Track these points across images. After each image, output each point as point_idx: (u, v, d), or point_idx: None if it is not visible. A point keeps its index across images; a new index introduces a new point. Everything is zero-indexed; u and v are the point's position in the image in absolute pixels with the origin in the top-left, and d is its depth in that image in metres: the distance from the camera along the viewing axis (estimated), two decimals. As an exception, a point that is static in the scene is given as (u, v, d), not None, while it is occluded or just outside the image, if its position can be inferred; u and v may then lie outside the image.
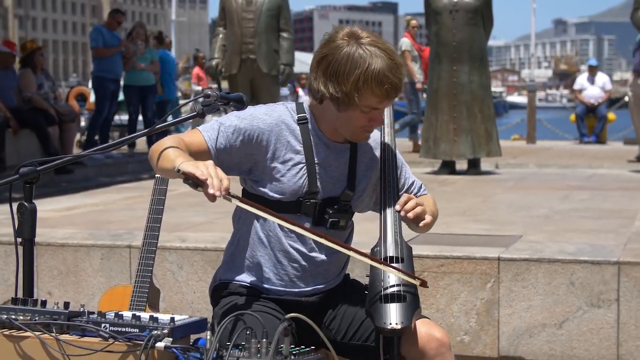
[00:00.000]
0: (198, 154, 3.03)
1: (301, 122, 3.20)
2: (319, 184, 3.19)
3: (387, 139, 3.32)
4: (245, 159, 3.14)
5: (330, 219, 3.21)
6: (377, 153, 3.34)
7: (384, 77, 3.01)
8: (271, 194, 3.16)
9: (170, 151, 2.95)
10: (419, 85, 15.13)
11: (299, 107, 3.24)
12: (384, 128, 3.34)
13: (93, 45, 13.24)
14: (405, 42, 15.48)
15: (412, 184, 3.40)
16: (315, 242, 3.20)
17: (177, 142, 3.02)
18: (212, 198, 2.76)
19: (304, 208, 3.18)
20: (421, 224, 3.20)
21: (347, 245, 3.14)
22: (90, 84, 15.33)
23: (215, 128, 3.11)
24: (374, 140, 3.32)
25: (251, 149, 3.13)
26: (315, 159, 3.19)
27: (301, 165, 3.17)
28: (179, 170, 2.80)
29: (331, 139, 3.21)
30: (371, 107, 3.07)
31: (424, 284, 3.11)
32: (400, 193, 3.27)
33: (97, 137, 13.47)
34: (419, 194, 3.40)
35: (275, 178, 3.16)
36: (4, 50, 11.21)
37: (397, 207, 3.20)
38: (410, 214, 3.16)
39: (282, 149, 3.16)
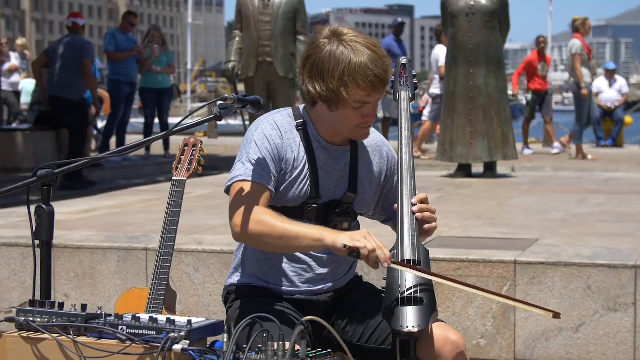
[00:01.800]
0: (265, 201, 3.10)
1: (300, 127, 3.23)
2: (321, 188, 3.21)
3: (405, 142, 3.32)
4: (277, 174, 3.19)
5: (334, 222, 3.23)
6: (380, 153, 3.36)
7: (367, 70, 3.04)
8: (274, 202, 3.17)
9: (288, 227, 3.04)
10: (585, 91, 14.55)
11: (296, 112, 3.26)
12: (401, 131, 3.34)
13: (106, 49, 13.29)
14: (576, 45, 14.65)
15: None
16: None
17: (263, 213, 3.07)
18: (378, 267, 2.98)
19: (307, 213, 3.21)
20: (426, 226, 3.22)
21: (453, 279, 3.19)
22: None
23: (258, 168, 3.13)
24: (374, 141, 3.34)
25: (278, 164, 3.17)
26: (317, 164, 3.21)
27: (305, 171, 3.20)
28: (345, 246, 2.93)
29: (330, 141, 3.23)
30: (361, 101, 3.08)
31: (556, 315, 3.11)
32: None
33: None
34: None
35: (283, 186, 3.19)
36: (82, 24, 11.58)
37: (414, 200, 3.21)
38: (418, 215, 3.19)
39: (290, 158, 3.20)
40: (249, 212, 3.07)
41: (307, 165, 3.20)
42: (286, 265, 3.25)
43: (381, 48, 3.11)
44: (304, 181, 3.20)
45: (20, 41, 17.85)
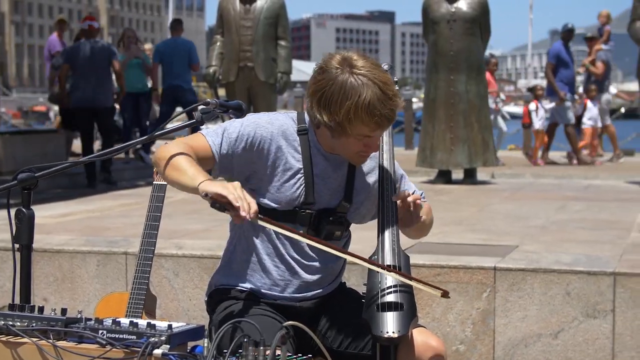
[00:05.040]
0: (202, 160, 3.06)
1: (301, 132, 3.21)
2: (315, 194, 3.20)
3: (386, 148, 3.33)
4: (245, 166, 3.16)
5: (326, 230, 3.22)
6: (376, 165, 3.34)
7: (374, 109, 2.99)
8: (267, 201, 3.17)
9: (185, 164, 2.99)
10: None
11: (300, 117, 3.25)
12: (382, 137, 3.34)
13: (197, 61, 13.93)
14: None
15: (413, 192, 3.39)
16: (313, 251, 3.22)
17: (186, 150, 3.04)
18: (242, 221, 2.82)
19: (300, 218, 3.19)
20: (416, 212, 3.20)
21: (363, 257, 3.13)
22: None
23: (219, 133, 3.13)
24: (375, 153, 3.32)
25: (252, 156, 3.15)
26: (314, 170, 3.20)
27: (299, 175, 3.18)
28: (206, 195, 2.83)
29: (329, 151, 3.22)
30: (364, 135, 3.07)
31: (445, 294, 3.11)
32: None
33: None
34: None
35: (272, 187, 3.17)
36: (98, 27, 11.92)
37: (394, 198, 3.21)
38: (400, 201, 3.19)
39: (282, 158, 3.18)
40: (173, 144, 3.07)
41: (302, 169, 3.19)
42: (274, 270, 3.25)
43: (393, 85, 3.06)
44: (298, 185, 3.18)
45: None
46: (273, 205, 3.17)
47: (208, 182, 2.87)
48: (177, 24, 14.36)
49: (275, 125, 3.19)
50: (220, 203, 2.80)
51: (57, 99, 12.90)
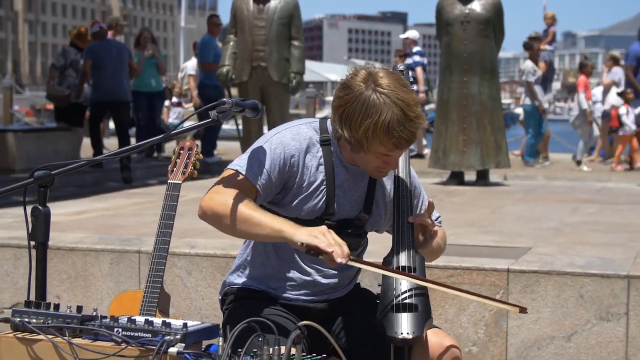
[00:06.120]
0: (246, 195, 3.08)
1: (324, 143, 3.21)
2: (336, 206, 3.20)
3: (401, 157, 3.31)
4: (280, 185, 3.17)
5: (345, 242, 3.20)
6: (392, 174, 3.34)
7: (393, 131, 2.97)
8: (287, 213, 3.16)
9: (254, 214, 3.01)
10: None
11: (323, 126, 3.24)
12: None
13: (206, 60, 13.98)
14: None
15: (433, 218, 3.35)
16: None
17: (238, 196, 3.04)
18: (336, 265, 2.90)
19: None
20: (423, 236, 3.22)
21: (389, 268, 3.13)
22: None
23: (254, 165, 3.12)
24: None
25: (286, 175, 3.15)
26: (336, 182, 3.20)
27: (322, 187, 3.18)
28: (302, 244, 2.89)
29: (351, 163, 3.22)
30: (381, 153, 3.06)
31: (523, 310, 3.11)
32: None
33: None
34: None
35: (296, 198, 3.18)
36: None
37: (410, 219, 3.21)
38: (416, 220, 3.19)
39: (307, 172, 3.18)
40: (221, 194, 3.07)
41: (325, 181, 3.19)
42: (290, 274, 3.25)
43: (416, 106, 3.02)
44: (320, 196, 3.18)
45: None
46: (293, 215, 3.17)
47: (298, 230, 2.94)
48: (207, 21, 14.76)
49: (300, 140, 3.18)
50: (314, 250, 2.89)
51: (55, 97, 12.94)
